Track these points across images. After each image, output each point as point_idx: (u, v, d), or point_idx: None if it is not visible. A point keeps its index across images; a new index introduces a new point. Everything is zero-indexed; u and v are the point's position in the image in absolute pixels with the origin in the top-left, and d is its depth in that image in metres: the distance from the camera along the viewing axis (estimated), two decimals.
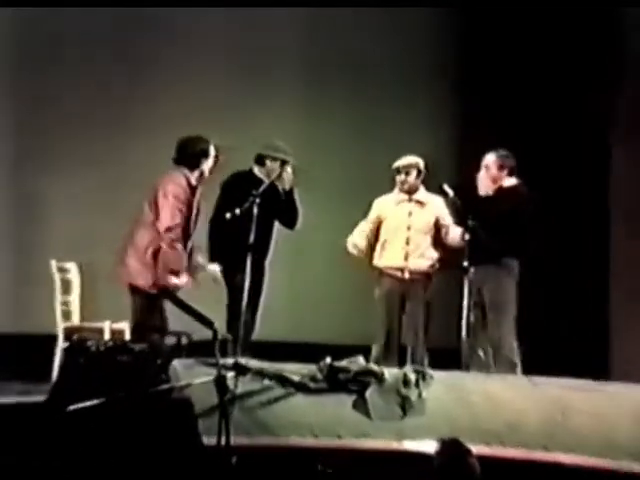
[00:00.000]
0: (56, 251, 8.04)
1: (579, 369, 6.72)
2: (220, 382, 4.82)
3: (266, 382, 5.79)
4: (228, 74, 9.15)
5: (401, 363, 6.93)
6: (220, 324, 5.87)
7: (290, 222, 7.26)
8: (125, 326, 7.37)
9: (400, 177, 7.42)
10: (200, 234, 6.98)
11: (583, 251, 8.90)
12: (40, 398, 5.74)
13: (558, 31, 9.03)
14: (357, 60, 9.34)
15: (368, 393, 5.86)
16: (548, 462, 5.76)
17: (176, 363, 5.76)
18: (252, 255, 6.70)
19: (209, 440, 5.11)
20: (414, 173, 7.41)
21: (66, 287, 7.83)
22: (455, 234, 7.28)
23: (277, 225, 7.25)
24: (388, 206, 7.48)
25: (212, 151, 6.88)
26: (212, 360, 5.14)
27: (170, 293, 6.03)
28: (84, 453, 5.13)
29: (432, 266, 7.40)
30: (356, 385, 5.87)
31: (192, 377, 5.33)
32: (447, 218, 7.40)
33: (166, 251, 6.59)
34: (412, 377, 5.95)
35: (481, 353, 7.02)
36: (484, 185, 7.27)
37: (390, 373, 6.01)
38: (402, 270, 7.35)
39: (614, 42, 8.81)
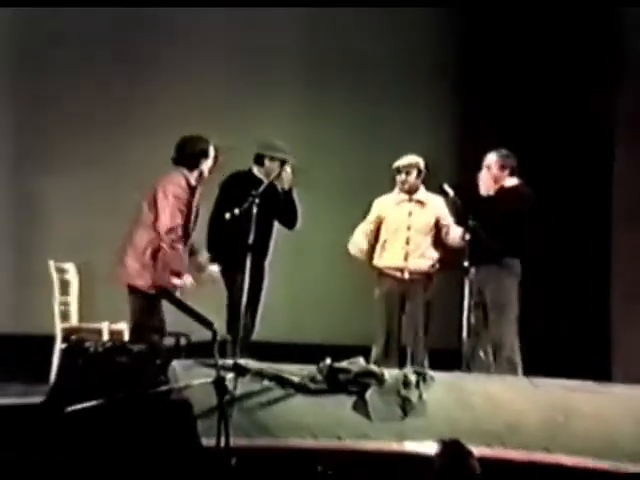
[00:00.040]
0: (54, 251, 8.03)
1: (580, 369, 6.71)
2: (219, 383, 4.80)
3: (265, 383, 5.78)
4: (228, 74, 9.15)
5: (401, 364, 6.91)
6: (220, 325, 5.85)
7: (289, 222, 7.23)
8: (124, 327, 7.35)
9: (400, 177, 7.40)
10: (199, 234, 6.97)
11: (584, 251, 8.89)
12: (38, 399, 5.74)
13: (558, 30, 9.01)
14: (357, 60, 9.33)
15: (368, 394, 5.85)
16: (549, 463, 5.75)
17: (175, 364, 5.76)
18: (251, 255, 6.66)
19: (208, 441, 5.09)
20: (414, 173, 7.39)
21: (64, 287, 7.82)
22: (455, 234, 7.26)
23: (277, 225, 7.22)
24: (388, 206, 7.46)
25: (212, 151, 6.86)
26: (211, 361, 5.12)
27: (169, 293, 6.02)
28: (83, 455, 5.12)
29: (432, 266, 7.38)
30: (356, 386, 5.87)
31: (191, 378, 5.32)
32: (447, 218, 7.38)
33: (167, 252, 6.58)
34: (412, 378, 5.95)
35: (482, 354, 7.01)
36: (486, 185, 7.25)
37: (390, 374, 6.01)
38: (402, 270, 7.33)
39: (615, 41, 8.79)
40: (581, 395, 6.17)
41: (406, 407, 5.82)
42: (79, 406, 4.80)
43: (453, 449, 4.35)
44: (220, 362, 4.96)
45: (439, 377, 6.08)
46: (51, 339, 7.55)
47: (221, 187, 7.22)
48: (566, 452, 5.80)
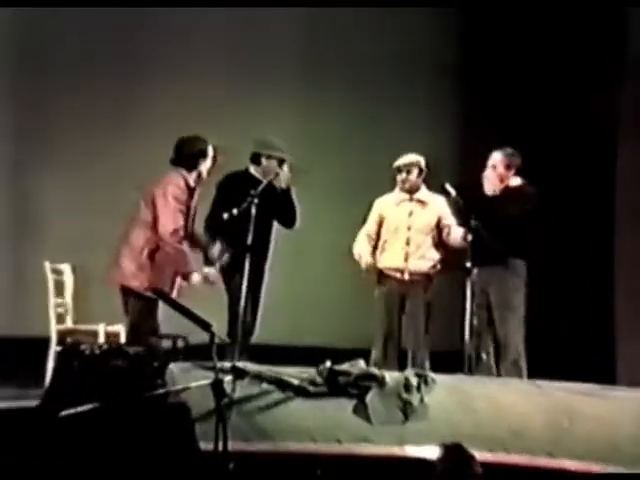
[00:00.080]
0: (50, 252, 8.00)
1: (584, 373, 6.66)
2: (217, 386, 4.75)
3: (264, 386, 5.74)
4: (228, 74, 9.18)
5: (402, 366, 6.86)
6: (220, 327, 5.79)
7: (288, 221, 7.18)
8: (120, 329, 7.30)
9: (401, 176, 7.35)
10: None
11: (587, 251, 8.87)
12: (33, 403, 5.68)
13: (559, 28, 9.01)
14: (357, 60, 9.35)
15: (369, 397, 5.80)
16: (553, 468, 5.71)
17: (172, 367, 5.72)
18: (251, 256, 6.62)
19: (206, 445, 5.03)
20: (415, 172, 7.34)
21: (60, 289, 7.79)
22: (457, 234, 7.20)
23: (277, 225, 7.18)
24: (388, 206, 7.41)
25: (210, 152, 6.85)
26: (209, 363, 5.05)
27: (165, 295, 5.96)
28: (78, 460, 5.08)
29: (433, 267, 7.33)
30: (356, 389, 5.82)
31: (189, 381, 5.27)
32: (449, 218, 7.32)
33: (172, 254, 6.54)
34: (414, 381, 5.91)
35: (484, 356, 6.95)
36: (491, 184, 7.19)
37: (391, 377, 5.96)
38: (402, 271, 7.28)
39: (617, 39, 8.78)
40: (585, 398, 6.12)
41: (407, 410, 5.78)
42: (74, 410, 4.75)
43: (455, 453, 4.33)
44: (218, 364, 4.91)
45: (441, 380, 6.04)
46: (45, 341, 7.51)
47: (218, 187, 7.17)
48: (570, 457, 5.77)
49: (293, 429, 5.58)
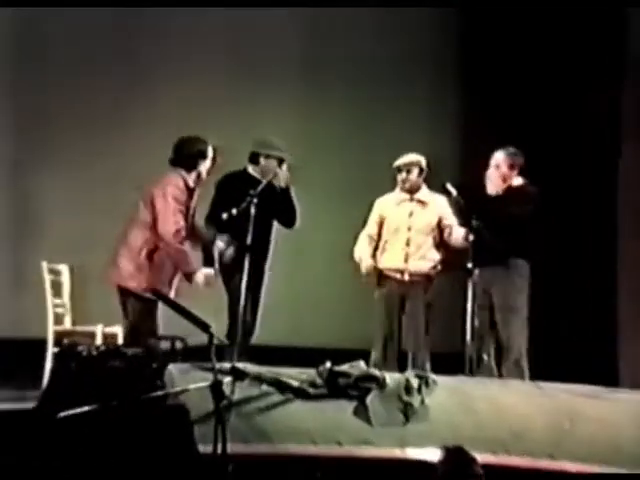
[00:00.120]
0: (47, 253, 7.99)
1: (586, 374, 6.64)
2: (216, 388, 4.73)
3: (264, 387, 5.71)
4: (228, 74, 9.18)
5: (402, 368, 6.82)
6: (219, 328, 5.78)
7: (288, 221, 7.14)
8: (118, 330, 7.27)
9: (401, 176, 7.32)
10: None
11: (590, 251, 8.86)
12: (29, 405, 5.66)
13: (560, 28, 9.00)
14: (357, 60, 9.36)
15: (369, 399, 5.77)
16: (555, 471, 5.68)
17: (171, 368, 5.69)
18: (250, 256, 6.60)
19: (205, 448, 5.00)
20: (415, 171, 7.30)
21: (57, 289, 7.76)
22: (458, 234, 7.17)
23: (276, 225, 7.15)
24: (389, 206, 7.38)
25: (210, 152, 6.81)
26: (208, 365, 5.03)
27: (164, 296, 5.93)
28: (75, 462, 5.06)
29: (433, 268, 7.29)
30: (357, 391, 5.80)
31: (188, 382, 5.25)
32: (450, 218, 7.28)
33: (174, 255, 6.52)
34: (414, 383, 5.89)
35: (485, 357, 6.92)
36: (494, 184, 7.15)
37: (392, 378, 5.94)
38: (402, 272, 7.25)
39: (619, 38, 8.79)
40: (586, 400, 6.11)
41: (408, 412, 5.75)
42: (71, 412, 4.72)
43: (456, 456, 4.33)
44: (217, 366, 4.89)
45: (442, 381, 6.01)
46: (43, 343, 7.49)
47: (216, 187, 7.14)
48: (571, 458, 5.74)
49: (293, 431, 5.56)
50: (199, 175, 6.78)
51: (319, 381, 5.76)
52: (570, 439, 5.79)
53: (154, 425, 5.21)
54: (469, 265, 6.79)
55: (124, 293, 6.55)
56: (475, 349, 6.79)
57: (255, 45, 9.21)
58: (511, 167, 7.13)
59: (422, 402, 5.79)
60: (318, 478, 5.39)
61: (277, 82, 9.24)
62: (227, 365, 5.65)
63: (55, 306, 7.65)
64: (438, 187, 7.22)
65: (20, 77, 8.85)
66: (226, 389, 4.87)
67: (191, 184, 6.72)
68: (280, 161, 7.05)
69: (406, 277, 7.24)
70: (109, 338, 7.36)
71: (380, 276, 7.30)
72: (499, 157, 7.14)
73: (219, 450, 4.68)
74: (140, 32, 9.00)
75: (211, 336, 4.78)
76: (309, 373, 5.84)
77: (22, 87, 8.85)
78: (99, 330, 7.47)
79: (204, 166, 6.79)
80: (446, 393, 5.92)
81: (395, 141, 8.46)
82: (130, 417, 5.13)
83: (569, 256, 8.84)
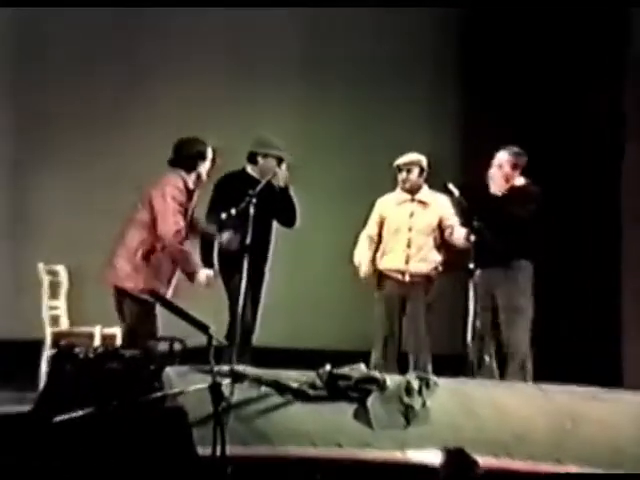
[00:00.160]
0: (45, 253, 8.00)
1: (590, 376, 6.61)
2: (215, 389, 4.72)
3: (263, 389, 5.69)
4: (228, 74, 9.19)
5: (403, 369, 6.80)
6: (218, 329, 5.74)
7: (288, 221, 7.11)
8: (117, 331, 7.23)
9: (401, 175, 7.29)
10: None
11: (593, 252, 8.84)
12: (26, 408, 5.63)
13: (561, 28, 8.98)
14: (357, 60, 9.36)
15: (369, 401, 5.75)
16: (556, 472, 5.65)
17: (169, 370, 5.66)
18: (250, 257, 6.58)
19: (204, 450, 4.99)
20: (416, 171, 7.27)
21: (55, 290, 7.74)
22: (460, 235, 7.12)
23: (276, 225, 7.13)
24: (389, 206, 7.35)
25: (209, 153, 6.79)
26: (207, 367, 5.01)
27: (161, 297, 5.91)
28: (72, 466, 5.03)
29: (435, 269, 7.26)
30: (357, 393, 5.77)
31: (186, 384, 5.24)
32: (452, 218, 7.24)
33: (175, 255, 6.52)
34: (415, 385, 5.86)
35: (487, 359, 6.89)
36: (497, 184, 7.11)
37: (392, 380, 5.92)
38: (403, 273, 7.22)
39: (620, 38, 8.79)
40: (588, 402, 6.08)
41: (409, 415, 5.73)
42: (68, 415, 4.69)
43: (458, 459, 4.34)
44: (216, 368, 4.87)
45: (443, 383, 5.98)
46: (40, 344, 7.48)
47: (215, 188, 7.12)
48: (573, 460, 5.72)
49: (293, 433, 5.54)
50: (199, 176, 6.76)
51: (319, 383, 5.74)
52: (572, 441, 5.77)
53: (152, 427, 5.18)
54: (470, 266, 6.76)
55: (121, 294, 6.53)
56: (476, 351, 6.76)
57: (255, 45, 9.23)
58: (514, 167, 7.09)
59: (423, 404, 5.76)
60: None
61: (277, 82, 9.24)
62: (226, 367, 5.64)
63: (52, 307, 7.64)
64: (439, 187, 7.20)
65: (20, 77, 8.88)
66: (225, 391, 4.86)
67: (191, 185, 6.70)
68: (279, 160, 7.02)
69: (407, 278, 7.22)
70: (108, 339, 7.33)
71: (380, 277, 7.28)
72: (502, 157, 7.10)
73: (218, 452, 4.67)
74: (140, 32, 9.03)
75: (210, 337, 4.75)
76: (309, 375, 5.81)
77: (22, 87, 8.88)
78: (97, 331, 7.45)
79: (204, 167, 6.77)
80: (447, 395, 5.89)
81: (395, 141, 8.43)
82: (128, 419, 5.10)
83: (572, 256, 8.83)
